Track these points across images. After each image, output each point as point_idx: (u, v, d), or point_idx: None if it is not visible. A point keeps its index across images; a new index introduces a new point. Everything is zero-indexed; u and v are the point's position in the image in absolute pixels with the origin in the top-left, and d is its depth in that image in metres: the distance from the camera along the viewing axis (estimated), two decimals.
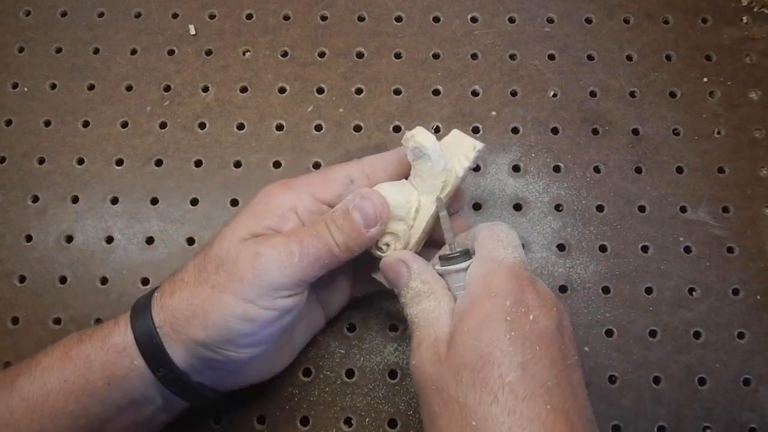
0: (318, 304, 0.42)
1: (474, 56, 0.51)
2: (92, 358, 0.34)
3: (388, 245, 0.37)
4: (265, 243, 0.34)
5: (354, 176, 0.37)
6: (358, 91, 0.50)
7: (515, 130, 0.49)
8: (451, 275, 0.36)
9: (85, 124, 0.50)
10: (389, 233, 0.37)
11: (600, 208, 0.48)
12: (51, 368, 0.35)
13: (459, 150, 0.38)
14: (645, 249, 0.47)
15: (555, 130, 0.49)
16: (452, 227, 0.37)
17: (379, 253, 0.37)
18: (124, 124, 0.50)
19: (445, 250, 0.37)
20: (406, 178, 0.38)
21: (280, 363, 0.41)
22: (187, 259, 0.37)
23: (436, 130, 0.49)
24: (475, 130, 0.49)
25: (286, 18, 0.52)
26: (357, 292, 0.43)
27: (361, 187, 0.37)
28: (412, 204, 0.37)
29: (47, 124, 0.50)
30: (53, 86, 0.51)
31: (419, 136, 0.36)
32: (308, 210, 0.36)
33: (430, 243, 0.40)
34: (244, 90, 0.51)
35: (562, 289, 0.46)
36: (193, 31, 0.52)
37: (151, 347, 0.34)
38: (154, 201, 0.48)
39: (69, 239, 0.48)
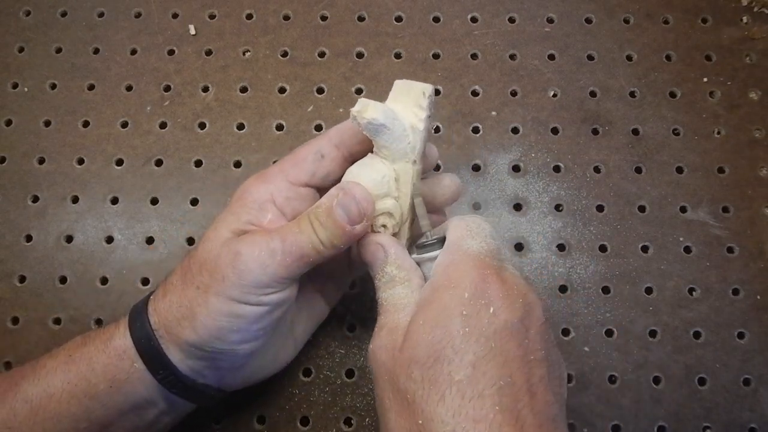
0: (317, 294, 0.41)
1: (474, 56, 0.51)
2: (94, 361, 0.34)
3: (385, 226, 0.36)
4: (245, 241, 0.33)
5: (324, 150, 0.36)
6: (358, 91, 0.50)
7: (515, 130, 0.49)
8: (426, 264, 0.35)
9: (85, 124, 0.50)
10: (381, 214, 0.35)
11: (600, 208, 0.48)
12: (55, 371, 0.35)
13: (410, 101, 0.35)
14: (645, 249, 0.47)
15: (555, 130, 0.49)
16: (430, 217, 0.36)
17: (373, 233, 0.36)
18: (124, 124, 0.50)
19: (421, 238, 0.36)
20: (371, 152, 0.37)
21: (284, 357, 0.40)
22: None
23: (436, 130, 0.49)
24: (475, 130, 0.49)
25: (286, 18, 0.52)
26: (357, 272, 0.42)
27: (332, 159, 0.36)
28: (388, 177, 0.35)
29: (47, 124, 0.50)
30: (53, 86, 0.51)
31: (367, 111, 0.34)
32: (286, 197, 0.36)
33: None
34: (244, 90, 0.51)
35: (562, 289, 0.46)
36: (193, 31, 0.52)
37: (149, 350, 0.34)
38: (154, 201, 0.48)
39: (69, 239, 0.48)
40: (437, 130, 0.49)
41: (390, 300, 0.34)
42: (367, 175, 0.35)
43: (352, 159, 0.37)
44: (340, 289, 0.42)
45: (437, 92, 0.50)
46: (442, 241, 0.35)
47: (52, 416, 0.34)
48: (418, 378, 0.29)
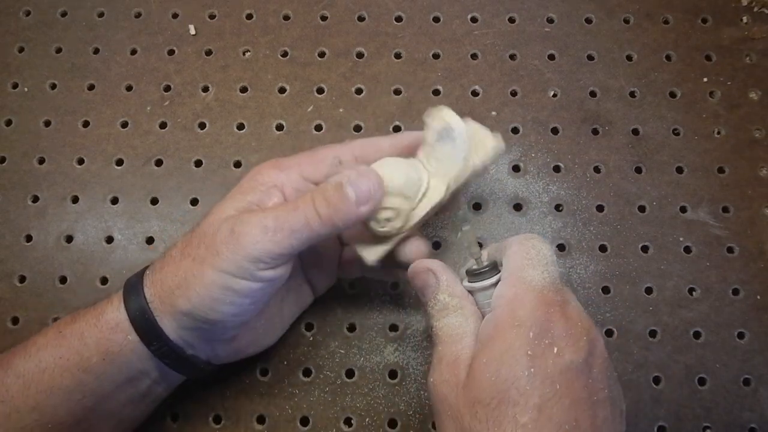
0: (306, 283, 0.42)
1: (474, 56, 0.51)
2: (86, 335, 0.35)
3: (388, 220, 0.35)
4: (241, 218, 0.34)
5: (343, 157, 0.37)
6: (358, 91, 0.50)
7: (515, 130, 0.49)
8: (479, 292, 0.34)
9: (85, 124, 0.50)
10: (391, 208, 0.35)
11: (600, 208, 0.48)
12: (45, 346, 0.35)
13: (476, 142, 0.36)
14: (645, 249, 0.47)
15: (555, 130, 0.49)
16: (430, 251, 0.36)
17: (376, 226, 0.36)
18: (124, 124, 0.50)
19: (471, 264, 0.35)
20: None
21: (271, 335, 0.41)
22: None
23: None
24: None
25: (286, 18, 0.52)
26: (344, 274, 0.43)
27: (348, 166, 0.36)
28: (422, 183, 0.35)
29: (47, 124, 0.50)
30: (53, 86, 0.51)
31: (448, 116, 0.34)
32: (295, 188, 0.36)
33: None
34: (244, 90, 0.51)
35: None
36: (193, 31, 0.52)
37: (143, 322, 0.35)
38: (154, 201, 0.48)
39: (69, 239, 0.48)
40: None
41: (445, 330, 0.33)
42: (407, 170, 0.35)
43: None
44: (327, 281, 0.43)
45: (437, 92, 0.50)
46: (494, 267, 0.35)
47: (44, 389, 0.35)
48: (483, 418, 0.29)
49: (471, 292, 0.35)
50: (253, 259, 0.33)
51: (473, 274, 0.35)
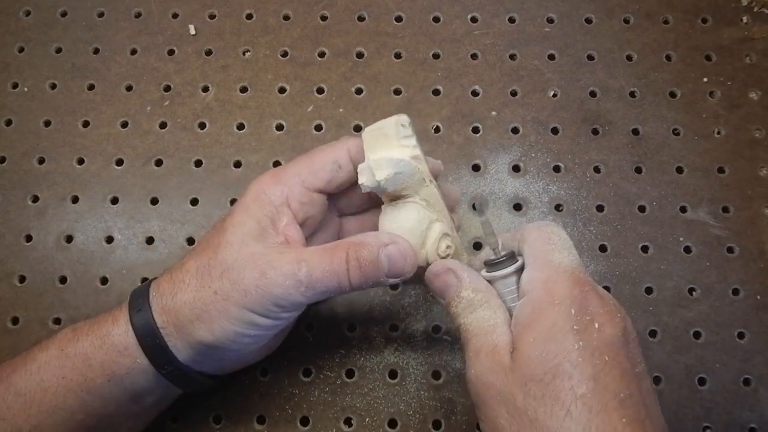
0: None
1: (474, 56, 0.51)
2: (91, 357, 0.34)
3: (449, 246, 0.37)
4: (273, 264, 0.33)
5: (341, 161, 0.37)
6: (358, 91, 0.50)
7: (515, 130, 0.49)
8: (499, 281, 0.35)
9: (85, 124, 0.50)
10: (440, 239, 0.36)
11: (600, 208, 0.48)
12: (48, 365, 0.35)
13: (391, 139, 0.35)
14: (645, 249, 0.47)
15: (555, 130, 0.49)
16: (493, 229, 0.36)
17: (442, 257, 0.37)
18: (124, 124, 0.50)
19: (489, 255, 0.36)
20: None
21: (275, 344, 0.42)
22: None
23: (436, 130, 0.49)
24: (475, 130, 0.49)
25: (286, 18, 0.52)
26: None
27: (348, 171, 0.37)
28: (422, 213, 0.36)
29: (47, 124, 0.50)
30: (53, 86, 0.51)
31: (376, 174, 0.34)
32: (300, 202, 0.36)
33: None
34: (244, 90, 0.51)
35: None
36: (193, 31, 0.52)
37: (154, 348, 0.34)
38: (154, 201, 0.48)
39: (69, 239, 0.48)
40: (437, 130, 0.49)
41: (475, 323, 0.34)
42: (404, 221, 0.36)
43: None
44: None
45: (437, 92, 0.50)
46: (511, 256, 0.35)
47: (47, 409, 0.34)
48: (538, 395, 0.29)
49: (490, 282, 0.35)
50: (281, 305, 0.34)
51: (492, 264, 0.35)
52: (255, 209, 0.35)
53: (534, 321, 0.31)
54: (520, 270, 0.35)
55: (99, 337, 0.35)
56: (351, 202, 0.41)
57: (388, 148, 0.35)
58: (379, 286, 0.36)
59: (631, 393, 0.30)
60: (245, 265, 0.34)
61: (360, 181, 0.35)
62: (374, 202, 0.40)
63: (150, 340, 0.34)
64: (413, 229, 0.36)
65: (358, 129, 0.49)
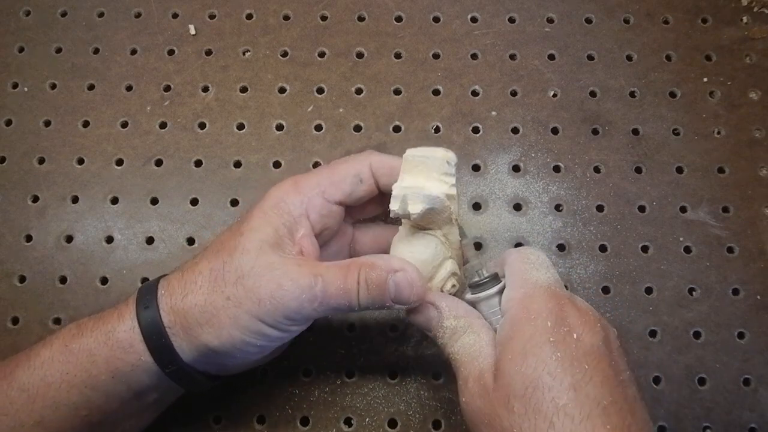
0: None
1: (474, 56, 0.51)
2: (95, 353, 0.34)
3: (454, 285, 0.37)
4: (290, 276, 0.33)
5: (363, 176, 0.37)
6: (358, 91, 0.50)
7: (515, 130, 0.49)
8: (484, 302, 0.35)
9: (85, 124, 0.50)
10: (448, 278, 0.37)
11: (600, 208, 0.48)
12: (51, 361, 0.35)
13: (432, 171, 0.35)
14: (645, 249, 0.47)
15: (555, 130, 0.49)
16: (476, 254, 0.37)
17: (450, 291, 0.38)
18: (124, 124, 0.50)
19: (473, 278, 0.36)
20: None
21: (279, 351, 0.41)
22: (188, 258, 0.37)
23: (436, 130, 0.49)
24: (475, 130, 0.49)
25: (286, 18, 0.52)
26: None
27: (369, 186, 0.37)
28: (439, 247, 0.37)
29: (47, 124, 0.50)
30: (53, 86, 0.51)
31: (410, 207, 0.34)
32: (319, 213, 0.36)
33: None
34: (244, 90, 0.51)
35: None
36: (193, 31, 0.52)
37: (160, 347, 0.34)
38: (154, 201, 0.48)
39: (69, 239, 0.48)
40: (437, 130, 0.49)
41: (462, 351, 0.34)
42: (420, 253, 0.36)
43: (385, 188, 0.38)
44: None
45: (437, 92, 0.50)
46: (495, 277, 0.36)
47: (50, 404, 0.34)
48: (521, 410, 0.29)
49: (475, 304, 0.36)
50: (292, 318, 0.34)
51: (476, 286, 0.36)
52: (274, 217, 0.35)
53: (512, 338, 0.32)
54: (504, 291, 0.35)
55: (104, 333, 0.35)
56: (365, 212, 0.41)
57: (427, 179, 0.35)
58: (387, 310, 0.37)
59: (615, 400, 0.29)
60: (262, 273, 0.33)
61: (391, 207, 0.35)
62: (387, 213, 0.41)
63: (156, 339, 0.34)
64: (426, 261, 0.36)
65: (358, 129, 0.49)
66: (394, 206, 0.35)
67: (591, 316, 0.32)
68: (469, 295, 0.36)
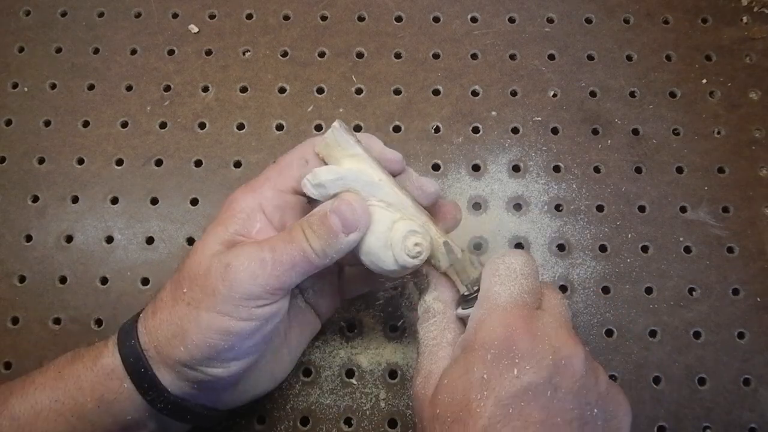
0: (309, 307, 0.40)
1: (474, 56, 0.51)
2: (82, 379, 0.34)
3: (418, 244, 0.34)
4: (235, 252, 0.33)
5: (307, 156, 0.36)
6: (358, 91, 0.50)
7: (515, 130, 0.49)
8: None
9: (85, 124, 0.50)
10: (407, 235, 0.34)
11: (600, 208, 0.48)
12: (43, 387, 0.34)
13: (333, 150, 0.35)
14: (645, 249, 0.47)
15: (555, 130, 0.49)
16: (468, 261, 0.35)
17: (411, 260, 0.34)
18: (124, 124, 0.50)
19: (463, 290, 0.35)
20: None
21: (281, 372, 0.40)
22: None
23: (436, 130, 0.49)
24: (475, 130, 0.49)
25: (286, 18, 0.52)
26: (347, 293, 0.42)
27: (317, 165, 0.36)
28: (381, 221, 0.34)
29: (47, 124, 0.50)
30: (53, 86, 0.51)
31: (316, 176, 0.33)
32: (274, 206, 0.35)
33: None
34: (244, 90, 0.51)
35: (562, 289, 0.46)
36: (195, 30, 0.52)
37: (138, 370, 0.33)
38: (154, 201, 0.48)
39: (69, 239, 0.48)
40: (437, 130, 0.49)
41: (424, 340, 0.34)
42: (373, 226, 0.34)
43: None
44: (331, 305, 0.41)
45: (437, 92, 0.50)
46: None
47: None
48: None
49: (463, 319, 0.34)
50: (251, 296, 0.32)
51: (465, 300, 0.34)
52: (225, 218, 0.35)
53: (455, 363, 0.31)
54: None
55: (91, 359, 0.34)
56: (356, 285, 0.42)
57: (336, 159, 0.35)
58: (348, 251, 0.34)
59: None
60: (210, 265, 0.33)
61: (305, 187, 0.34)
62: None
63: (133, 362, 0.33)
64: (374, 232, 0.34)
65: (358, 129, 0.49)
66: (305, 191, 0.34)
67: (545, 347, 0.30)
68: (459, 311, 0.34)
